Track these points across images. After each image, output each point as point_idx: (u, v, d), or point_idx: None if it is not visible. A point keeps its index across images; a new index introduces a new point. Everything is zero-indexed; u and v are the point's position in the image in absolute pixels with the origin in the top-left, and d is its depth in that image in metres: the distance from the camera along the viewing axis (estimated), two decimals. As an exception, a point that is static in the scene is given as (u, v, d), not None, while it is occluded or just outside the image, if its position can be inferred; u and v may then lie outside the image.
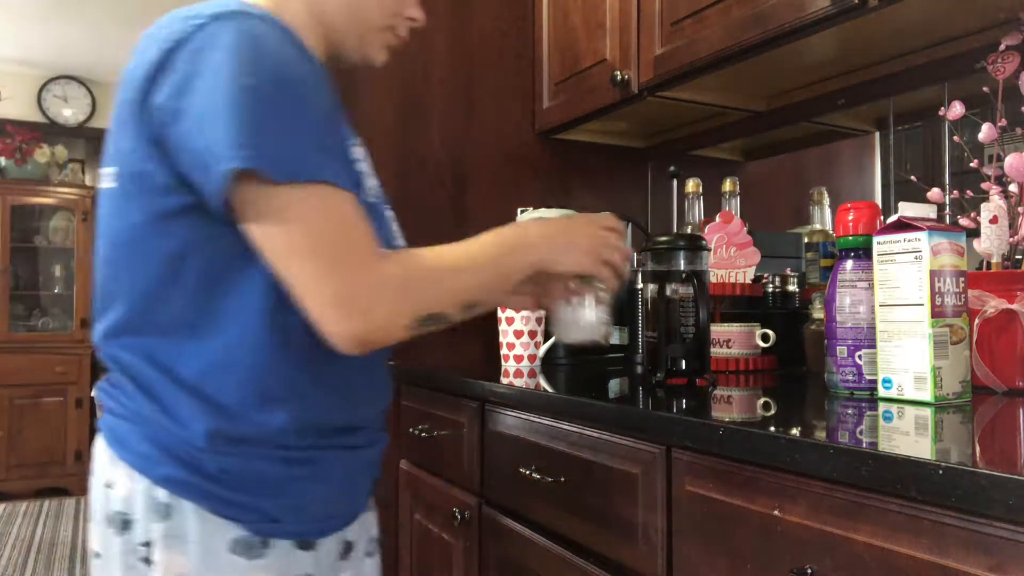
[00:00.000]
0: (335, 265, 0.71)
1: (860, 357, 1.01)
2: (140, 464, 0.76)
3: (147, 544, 0.76)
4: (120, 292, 0.80)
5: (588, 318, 0.97)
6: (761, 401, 1.07)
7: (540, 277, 0.91)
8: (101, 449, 0.81)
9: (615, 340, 1.70)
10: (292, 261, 0.71)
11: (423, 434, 1.54)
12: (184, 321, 0.77)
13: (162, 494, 0.75)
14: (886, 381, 0.96)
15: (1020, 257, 1.07)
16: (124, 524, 0.77)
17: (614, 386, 1.26)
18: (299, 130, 0.72)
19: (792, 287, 1.48)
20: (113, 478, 0.78)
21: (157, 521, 0.75)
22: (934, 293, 0.92)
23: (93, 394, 0.90)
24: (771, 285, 1.48)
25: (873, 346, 0.99)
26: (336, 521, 0.85)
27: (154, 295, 0.77)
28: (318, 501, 0.82)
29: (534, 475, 1.14)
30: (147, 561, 0.76)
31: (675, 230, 1.69)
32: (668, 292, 1.16)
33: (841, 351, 1.03)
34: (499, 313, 1.55)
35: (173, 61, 0.72)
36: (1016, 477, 0.55)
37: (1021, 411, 0.89)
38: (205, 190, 0.71)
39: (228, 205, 0.71)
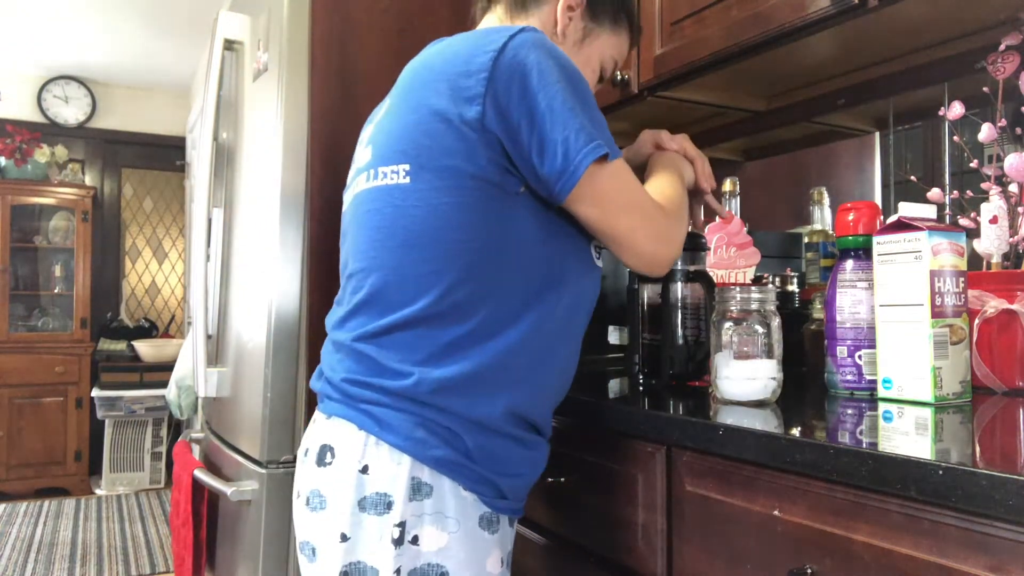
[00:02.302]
0: (649, 212, 0.91)
1: (860, 357, 1.01)
2: (413, 448, 0.84)
3: (402, 524, 0.83)
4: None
5: (755, 373, 0.97)
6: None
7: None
8: (346, 437, 0.87)
9: (615, 340, 1.70)
10: (621, 216, 0.89)
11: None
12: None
13: (427, 474, 0.84)
14: (886, 381, 0.96)
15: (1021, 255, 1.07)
16: (387, 505, 0.83)
17: (614, 386, 1.26)
18: (601, 118, 0.90)
19: (792, 287, 1.48)
20: (372, 462, 0.84)
21: (419, 500, 0.83)
22: (934, 293, 0.92)
23: (315, 386, 0.98)
24: (771, 285, 1.48)
25: (873, 346, 0.99)
26: (525, 503, 0.96)
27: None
28: (527, 483, 0.94)
29: (534, 475, 1.14)
30: (402, 540, 0.83)
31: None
32: (671, 292, 1.16)
33: (841, 351, 1.03)
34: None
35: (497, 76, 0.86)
36: (1016, 477, 0.55)
37: (1021, 411, 0.89)
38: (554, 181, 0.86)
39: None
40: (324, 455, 0.88)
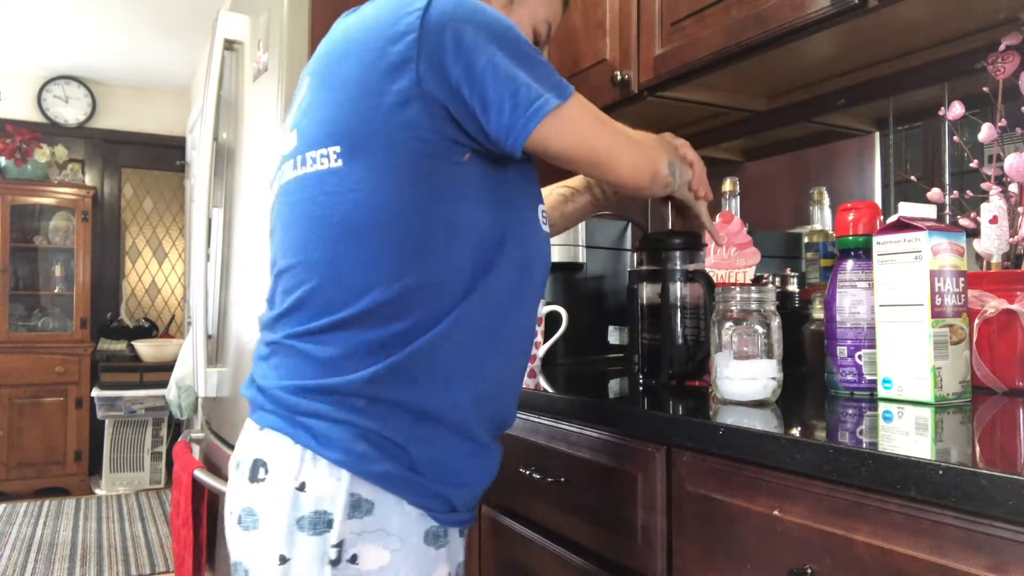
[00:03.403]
0: (620, 135, 0.91)
1: (860, 357, 1.01)
2: (353, 463, 0.78)
3: (339, 544, 0.77)
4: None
5: (755, 373, 0.97)
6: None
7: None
8: (281, 452, 0.80)
9: (615, 340, 1.70)
10: (593, 138, 0.87)
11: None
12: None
13: (366, 491, 0.78)
14: (886, 381, 0.96)
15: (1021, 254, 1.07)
16: (326, 524, 0.77)
17: (614, 386, 1.26)
18: (543, 60, 0.86)
19: (792, 287, 1.48)
20: (309, 478, 0.78)
21: (359, 517, 0.77)
22: (934, 293, 0.92)
23: (245, 393, 0.90)
24: (771, 285, 1.48)
25: (873, 346, 0.99)
26: (475, 512, 0.90)
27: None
28: (479, 492, 0.88)
29: (534, 475, 1.14)
30: (340, 560, 0.77)
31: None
32: (671, 292, 1.16)
33: (841, 351, 1.03)
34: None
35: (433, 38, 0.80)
36: (1016, 477, 0.55)
37: (1021, 411, 0.89)
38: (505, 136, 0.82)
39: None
40: (257, 470, 0.81)
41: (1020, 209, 1.07)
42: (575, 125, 0.85)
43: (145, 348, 4.72)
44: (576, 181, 1.20)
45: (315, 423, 0.79)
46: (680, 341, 1.15)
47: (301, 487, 0.78)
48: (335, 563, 0.77)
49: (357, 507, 0.78)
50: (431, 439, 0.81)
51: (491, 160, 0.85)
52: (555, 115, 0.82)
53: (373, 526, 0.78)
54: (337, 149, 0.82)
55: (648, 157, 0.95)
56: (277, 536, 0.78)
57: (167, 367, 3.51)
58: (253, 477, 0.82)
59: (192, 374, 1.79)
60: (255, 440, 0.84)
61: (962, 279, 0.95)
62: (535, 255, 0.90)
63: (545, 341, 1.55)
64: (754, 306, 0.99)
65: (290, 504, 0.78)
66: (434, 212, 0.81)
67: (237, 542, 0.83)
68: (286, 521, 0.78)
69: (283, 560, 0.78)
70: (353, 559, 0.77)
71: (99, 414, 4.52)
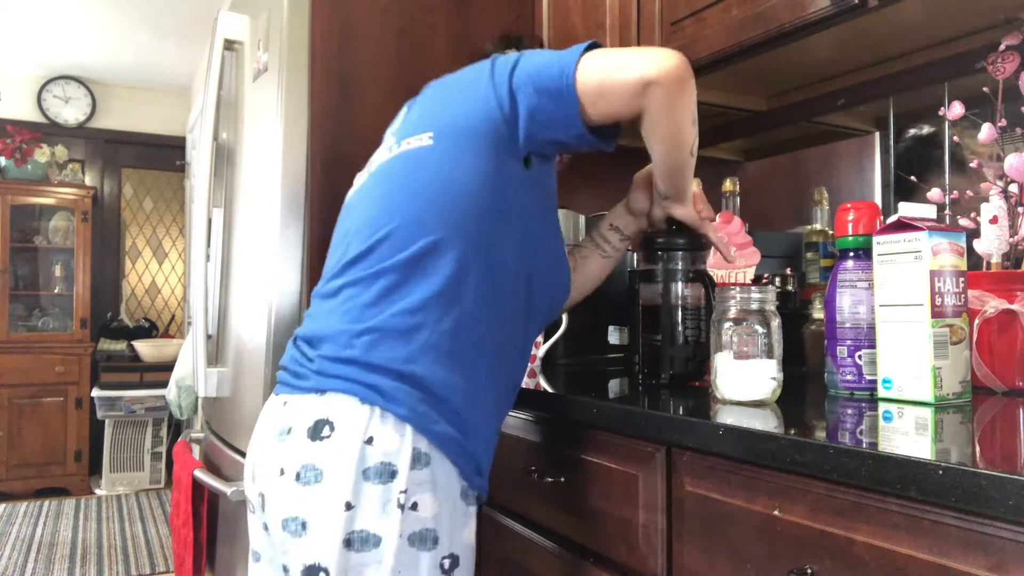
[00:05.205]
0: (631, 51, 0.98)
1: (860, 357, 1.01)
2: (416, 420, 0.89)
3: (405, 491, 0.87)
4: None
5: (755, 373, 0.97)
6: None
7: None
8: (349, 411, 0.89)
9: (615, 340, 1.70)
10: (623, 62, 0.94)
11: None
12: None
13: (424, 446, 0.89)
14: (886, 381, 0.96)
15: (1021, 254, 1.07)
16: (390, 474, 0.87)
17: (614, 386, 1.26)
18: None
19: (792, 287, 1.48)
20: (376, 433, 0.88)
21: (420, 469, 0.89)
22: (934, 293, 0.92)
23: (289, 363, 1.00)
24: (771, 285, 1.48)
25: (873, 346, 0.99)
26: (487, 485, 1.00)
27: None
28: (491, 459, 0.99)
29: (534, 475, 1.14)
30: (405, 506, 0.87)
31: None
32: (672, 292, 1.16)
33: (841, 351, 1.03)
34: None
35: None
36: (1016, 477, 0.55)
37: (1021, 411, 0.89)
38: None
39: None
40: (320, 429, 0.89)
41: (1020, 209, 1.07)
42: (599, 57, 0.97)
43: (145, 348, 4.72)
44: (584, 242, 1.25)
45: (383, 381, 0.90)
46: (680, 341, 1.15)
47: (369, 441, 0.88)
48: (403, 508, 0.87)
49: (418, 460, 0.89)
50: (478, 405, 0.95)
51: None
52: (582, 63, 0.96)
53: (428, 478, 0.89)
54: (430, 133, 0.99)
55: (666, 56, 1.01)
56: (343, 486, 0.87)
57: (167, 367, 3.51)
58: (316, 436, 0.89)
59: (192, 374, 1.79)
60: (315, 404, 0.92)
61: (962, 279, 0.95)
62: (563, 271, 1.08)
63: (545, 341, 1.55)
64: (754, 306, 0.99)
65: (357, 456, 0.87)
66: (494, 193, 0.97)
67: (294, 497, 0.89)
68: (353, 472, 0.87)
69: (348, 507, 0.86)
70: (414, 506, 0.88)
71: (99, 414, 4.52)
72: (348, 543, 0.86)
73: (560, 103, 0.94)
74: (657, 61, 0.93)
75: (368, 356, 0.91)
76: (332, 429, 0.89)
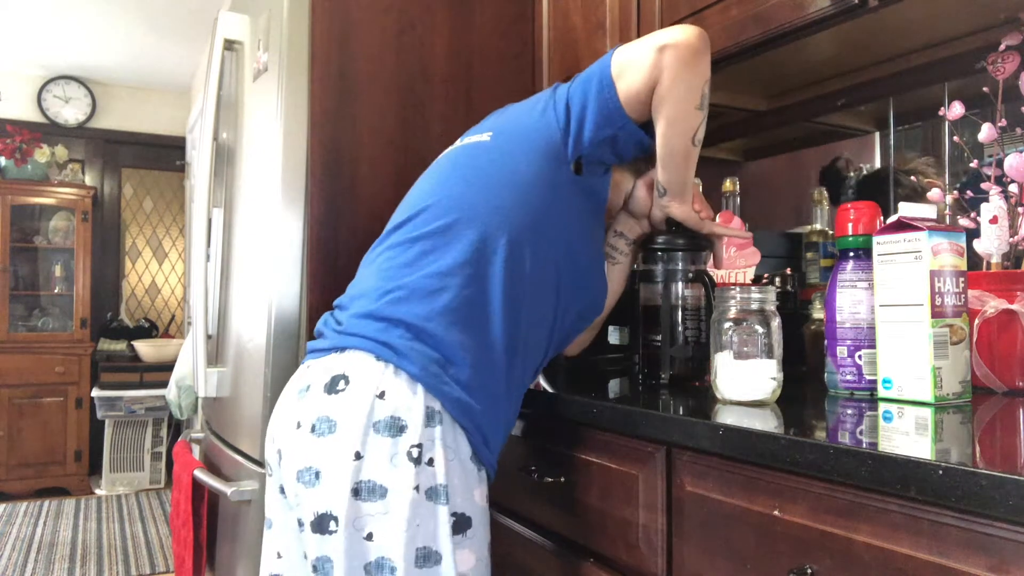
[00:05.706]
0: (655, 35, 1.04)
1: (860, 357, 1.01)
2: (428, 380, 0.93)
3: (419, 446, 0.91)
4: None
5: (755, 373, 0.97)
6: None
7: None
8: (364, 366, 0.94)
9: (615, 340, 1.70)
10: (638, 43, 1.03)
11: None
12: None
13: (437, 405, 0.93)
14: (886, 381, 0.96)
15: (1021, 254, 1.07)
16: (399, 428, 0.91)
17: (614, 386, 1.26)
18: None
19: (792, 287, 1.48)
20: (389, 388, 0.92)
21: (433, 427, 0.92)
22: (934, 293, 0.92)
23: (324, 330, 1.05)
24: (771, 285, 1.48)
25: (873, 346, 0.99)
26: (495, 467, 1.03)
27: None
28: (499, 446, 1.02)
29: (534, 475, 1.14)
30: (418, 460, 0.90)
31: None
32: (672, 292, 1.16)
33: (841, 351, 1.03)
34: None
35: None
36: (1016, 477, 0.55)
37: (1021, 411, 0.89)
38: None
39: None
40: (336, 383, 0.94)
41: (1020, 209, 1.07)
42: (627, 47, 1.05)
43: (145, 348, 4.72)
44: None
45: (398, 340, 0.94)
46: (680, 341, 1.15)
47: (381, 395, 0.91)
48: (417, 462, 0.90)
49: (431, 418, 0.92)
50: (487, 380, 0.98)
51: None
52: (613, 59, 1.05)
53: (441, 436, 0.92)
54: (490, 133, 1.10)
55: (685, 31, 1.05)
56: (354, 437, 0.90)
57: (167, 367, 3.51)
58: (332, 390, 0.94)
59: (192, 374, 1.79)
60: (334, 361, 0.96)
61: (962, 279, 0.95)
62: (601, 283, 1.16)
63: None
64: (754, 306, 0.99)
65: (368, 409, 0.91)
66: (540, 195, 1.06)
67: (308, 449, 0.93)
68: (363, 424, 0.90)
69: (357, 456, 0.90)
70: (430, 462, 0.91)
71: (99, 414, 4.52)
72: (356, 492, 0.89)
73: (601, 88, 1.02)
74: (676, 31, 1.01)
75: (390, 310, 0.96)
76: (347, 383, 0.93)
